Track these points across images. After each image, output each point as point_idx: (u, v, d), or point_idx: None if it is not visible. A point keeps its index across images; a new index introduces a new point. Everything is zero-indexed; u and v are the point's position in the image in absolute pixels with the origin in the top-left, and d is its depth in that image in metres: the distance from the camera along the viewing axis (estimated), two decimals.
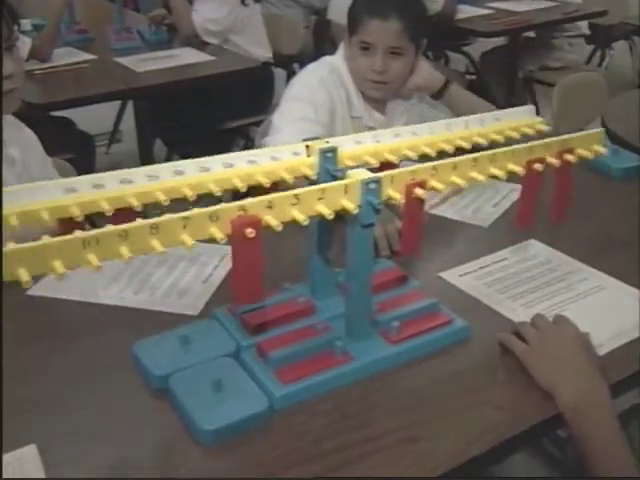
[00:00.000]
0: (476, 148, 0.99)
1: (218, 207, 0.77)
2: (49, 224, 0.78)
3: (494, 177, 0.94)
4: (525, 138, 1.03)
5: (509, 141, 1.03)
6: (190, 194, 0.83)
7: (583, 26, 3.50)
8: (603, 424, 0.85)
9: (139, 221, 0.75)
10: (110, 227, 0.73)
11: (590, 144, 1.02)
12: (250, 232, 0.77)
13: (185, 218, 0.76)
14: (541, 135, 1.04)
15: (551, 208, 1.05)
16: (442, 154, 0.98)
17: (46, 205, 0.77)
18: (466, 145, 1.03)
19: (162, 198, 0.81)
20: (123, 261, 0.73)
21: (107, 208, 0.78)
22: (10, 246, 0.69)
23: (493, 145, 1.00)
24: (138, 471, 0.80)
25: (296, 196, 0.81)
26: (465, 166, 0.92)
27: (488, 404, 0.89)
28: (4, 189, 0.76)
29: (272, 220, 0.79)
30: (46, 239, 0.70)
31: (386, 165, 0.97)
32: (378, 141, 0.98)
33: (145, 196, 0.82)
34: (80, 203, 0.79)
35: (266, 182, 0.88)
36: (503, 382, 0.93)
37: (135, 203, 0.80)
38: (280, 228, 0.78)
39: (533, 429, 0.87)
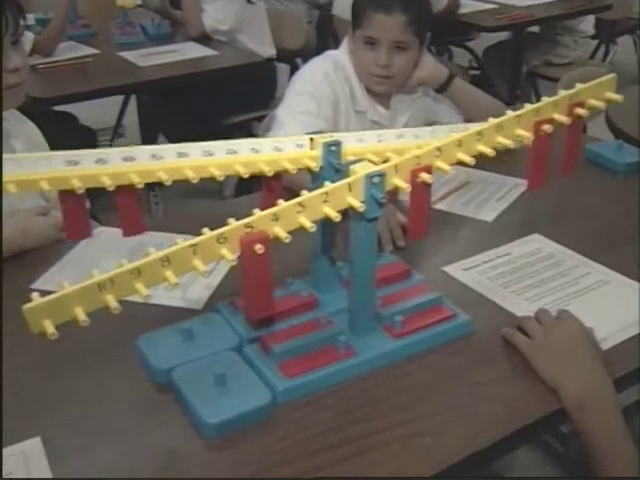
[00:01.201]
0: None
1: (224, 229, 0.78)
2: (49, 194, 0.78)
3: (504, 147, 0.91)
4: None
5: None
6: (192, 176, 0.83)
7: (589, 25, 3.48)
8: (608, 420, 0.84)
9: (150, 256, 0.75)
10: (122, 267, 0.74)
11: (602, 92, 0.97)
12: (259, 248, 0.77)
13: (194, 245, 0.76)
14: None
15: (562, 161, 1.01)
16: None
17: (46, 175, 0.77)
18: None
19: (164, 177, 0.81)
20: (141, 298, 0.75)
21: (108, 183, 0.78)
22: (35, 302, 0.70)
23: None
24: (142, 464, 0.81)
25: (300, 204, 0.80)
26: (470, 141, 0.90)
27: (491, 399, 0.89)
28: (6, 156, 0.76)
29: (280, 232, 0.78)
30: (65, 288, 0.72)
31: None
32: (381, 141, 0.98)
33: (147, 174, 0.82)
34: (81, 176, 0.79)
35: (268, 170, 0.88)
36: (506, 377, 0.93)
37: (137, 180, 0.80)
38: (288, 240, 0.78)
39: (536, 424, 0.87)
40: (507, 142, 0.91)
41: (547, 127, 0.92)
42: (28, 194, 1.38)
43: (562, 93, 0.95)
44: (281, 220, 0.79)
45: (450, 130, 1.02)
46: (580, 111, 0.95)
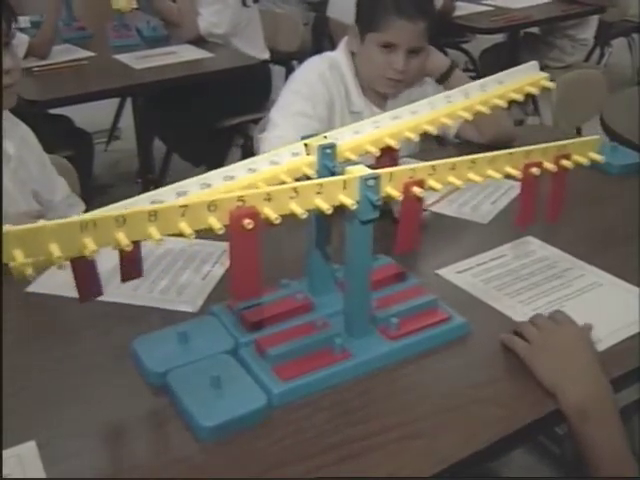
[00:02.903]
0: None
1: (217, 197, 0.77)
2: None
3: (491, 178, 0.94)
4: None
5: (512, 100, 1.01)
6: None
7: (590, 32, 3.49)
8: (610, 432, 0.84)
9: (138, 207, 0.74)
10: (108, 211, 0.73)
11: (587, 150, 1.02)
12: (248, 223, 0.76)
13: (184, 206, 0.75)
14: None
15: (547, 210, 1.05)
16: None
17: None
18: (467, 116, 1.02)
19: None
20: (120, 247, 0.72)
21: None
22: (7, 228, 0.68)
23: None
24: (137, 467, 0.81)
25: (295, 189, 0.81)
26: (463, 167, 0.92)
27: (487, 401, 0.89)
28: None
29: (270, 213, 0.78)
30: (43, 222, 0.70)
31: (387, 151, 0.97)
32: (378, 126, 0.98)
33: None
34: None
35: None
36: (502, 379, 0.94)
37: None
38: (279, 221, 0.78)
39: (532, 426, 0.87)
40: (497, 175, 0.94)
41: (535, 170, 0.96)
42: (21, 196, 1.38)
43: (551, 144, 0.99)
44: (273, 201, 0.79)
45: (447, 97, 1.02)
46: (566, 163, 0.99)
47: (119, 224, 0.73)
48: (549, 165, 0.98)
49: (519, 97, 1.06)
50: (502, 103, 1.04)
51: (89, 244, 0.71)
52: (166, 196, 0.81)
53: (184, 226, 0.75)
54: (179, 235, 0.76)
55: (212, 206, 0.77)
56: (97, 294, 0.80)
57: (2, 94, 1.25)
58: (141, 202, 0.80)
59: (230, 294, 0.86)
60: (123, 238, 0.73)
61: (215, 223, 0.77)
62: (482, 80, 1.04)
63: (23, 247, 0.69)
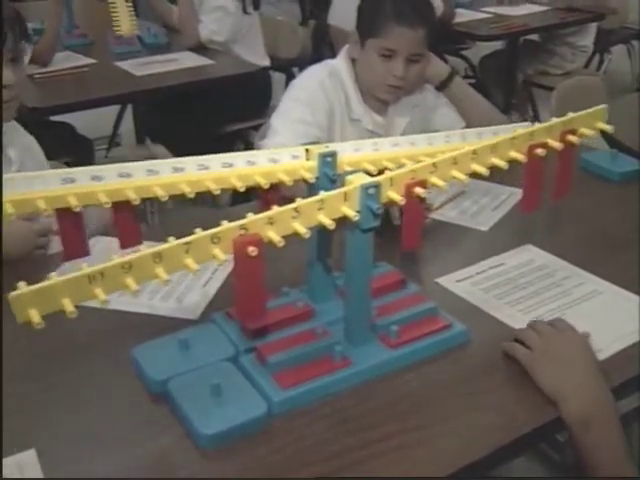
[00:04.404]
0: None
1: (219, 229, 0.78)
2: (46, 212, 0.78)
3: (496, 168, 0.93)
4: None
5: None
6: (188, 190, 0.83)
7: (590, 40, 3.50)
8: (611, 440, 0.83)
9: (142, 251, 0.75)
10: (113, 260, 0.74)
11: (593, 122, 1.00)
12: (252, 250, 0.77)
13: (187, 244, 0.76)
14: None
15: (554, 187, 1.02)
16: None
17: (43, 194, 0.77)
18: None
19: (160, 193, 0.81)
20: (130, 292, 0.74)
21: (104, 200, 0.78)
22: (19, 289, 0.70)
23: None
24: (137, 476, 0.80)
25: (296, 209, 0.81)
26: (465, 159, 0.91)
27: (487, 408, 0.89)
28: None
29: (274, 236, 0.78)
30: (53, 279, 0.71)
31: (385, 172, 0.97)
32: (377, 150, 0.98)
33: (143, 190, 0.82)
34: (77, 194, 0.79)
35: (264, 183, 0.88)
36: (502, 386, 0.93)
37: (133, 197, 0.80)
38: (282, 244, 0.78)
39: (532, 433, 0.87)
40: (501, 163, 0.92)
41: (540, 151, 0.94)
42: None
43: (555, 120, 0.97)
44: (276, 224, 0.79)
45: (446, 137, 1.03)
46: (572, 138, 0.98)
47: (125, 270, 0.74)
48: (555, 143, 0.95)
49: (504, 165, 1.05)
50: (498, 162, 1.03)
51: (99, 294, 0.73)
52: (162, 167, 0.83)
53: (190, 262, 0.76)
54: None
55: (215, 238, 0.77)
56: (84, 254, 0.81)
57: (2, 105, 1.25)
58: (136, 169, 0.82)
59: (232, 304, 0.87)
60: (132, 283, 0.74)
61: (220, 255, 0.77)
62: (479, 129, 1.04)
63: (37, 306, 0.71)
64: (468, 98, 1.66)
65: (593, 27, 3.50)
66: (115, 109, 3.48)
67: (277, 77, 3.10)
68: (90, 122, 2.91)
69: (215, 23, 2.72)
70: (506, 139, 0.93)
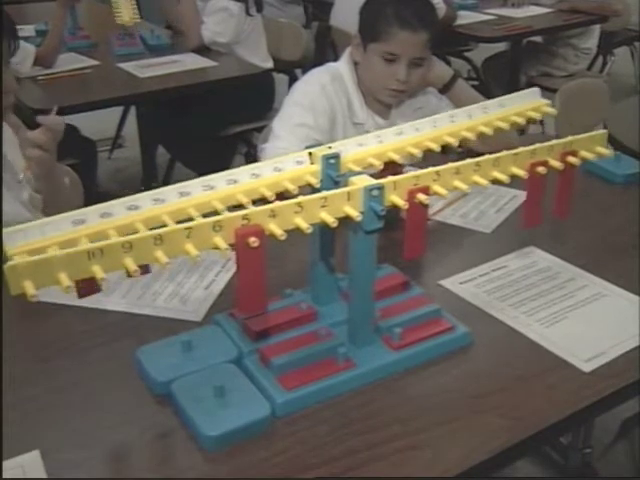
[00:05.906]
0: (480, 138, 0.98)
1: (222, 217, 0.78)
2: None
3: (497, 181, 0.94)
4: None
5: (514, 127, 1.03)
6: (196, 214, 0.83)
7: (593, 42, 3.50)
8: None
9: (143, 232, 0.75)
10: (114, 238, 0.74)
11: (593, 146, 1.02)
12: (254, 241, 0.77)
13: (189, 228, 0.76)
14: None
15: (555, 205, 1.04)
16: (447, 148, 0.98)
17: (55, 240, 0.77)
18: (471, 136, 1.03)
19: (169, 221, 0.81)
20: (129, 273, 0.74)
21: (114, 235, 0.78)
22: (15, 260, 0.69)
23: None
24: (141, 477, 0.80)
25: (299, 204, 0.81)
26: (468, 170, 0.92)
27: (490, 411, 0.89)
28: (12, 228, 0.76)
29: (276, 229, 0.79)
30: (51, 252, 0.71)
31: (390, 165, 0.97)
32: (381, 141, 0.98)
33: (153, 220, 0.82)
34: (89, 235, 0.78)
35: (270, 195, 0.88)
36: (505, 389, 0.93)
37: (143, 228, 0.80)
38: (284, 237, 0.79)
39: (535, 436, 0.87)
40: (502, 177, 0.94)
41: (541, 169, 0.95)
42: (10, 197, 1.39)
43: (555, 141, 0.99)
44: (278, 217, 0.80)
45: (451, 116, 1.02)
46: (572, 159, 0.99)
47: (126, 250, 0.73)
48: (555, 163, 0.97)
49: (521, 120, 1.06)
50: (505, 125, 1.04)
51: (97, 271, 0.72)
52: (168, 195, 0.83)
53: (190, 247, 0.76)
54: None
55: (217, 226, 0.77)
56: (96, 290, 0.81)
57: (2, 111, 1.25)
58: (143, 199, 0.81)
59: (235, 305, 0.87)
60: (130, 263, 0.73)
61: (221, 243, 0.77)
62: (484, 102, 1.05)
63: (33, 278, 0.70)
64: (471, 101, 1.66)
65: (596, 29, 3.50)
66: (118, 111, 3.48)
67: (280, 79, 3.10)
68: (93, 124, 2.91)
69: (218, 25, 2.73)
70: (509, 154, 0.95)
